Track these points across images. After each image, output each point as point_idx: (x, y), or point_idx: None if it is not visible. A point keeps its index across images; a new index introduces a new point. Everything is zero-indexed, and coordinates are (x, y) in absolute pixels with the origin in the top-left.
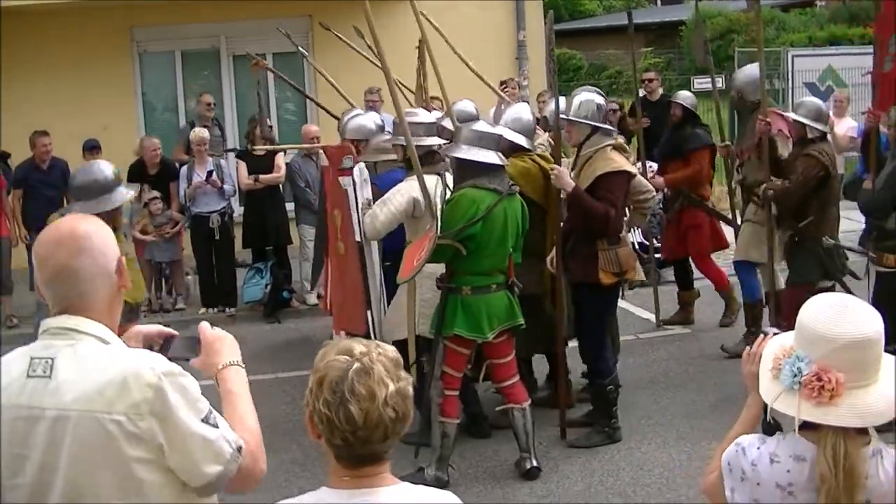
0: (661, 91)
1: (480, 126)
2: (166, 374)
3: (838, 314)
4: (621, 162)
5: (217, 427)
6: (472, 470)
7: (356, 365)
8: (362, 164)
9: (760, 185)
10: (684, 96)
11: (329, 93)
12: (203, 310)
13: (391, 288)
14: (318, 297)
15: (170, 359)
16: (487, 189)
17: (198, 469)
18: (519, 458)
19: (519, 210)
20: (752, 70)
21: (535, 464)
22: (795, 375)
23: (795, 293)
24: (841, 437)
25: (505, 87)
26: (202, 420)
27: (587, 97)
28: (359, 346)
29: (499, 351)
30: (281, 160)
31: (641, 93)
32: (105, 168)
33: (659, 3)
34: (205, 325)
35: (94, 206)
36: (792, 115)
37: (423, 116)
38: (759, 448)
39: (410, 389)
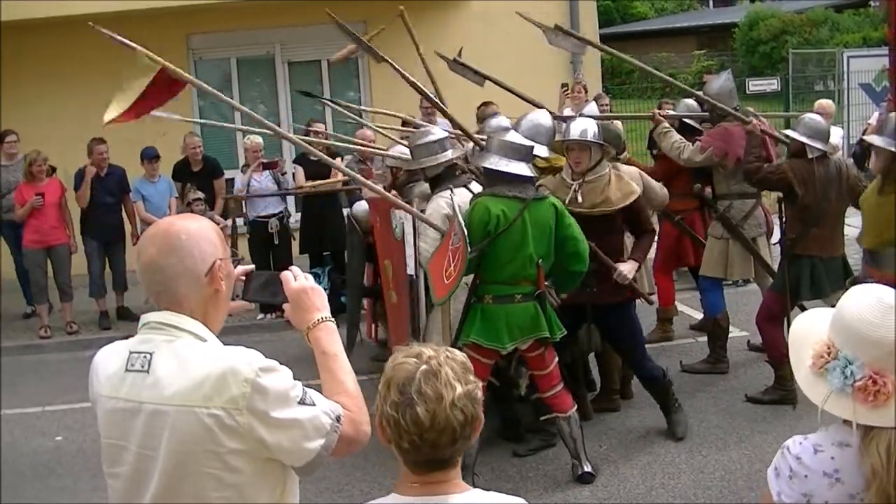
0: None
1: (511, 136)
2: (263, 370)
3: (885, 315)
4: (634, 185)
5: (314, 405)
6: (532, 473)
7: (424, 367)
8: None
9: (719, 197)
10: (682, 107)
11: (385, 96)
12: (261, 315)
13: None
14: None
15: (252, 301)
16: (506, 197)
17: (301, 448)
18: (572, 463)
19: (549, 214)
20: (720, 81)
21: (587, 469)
22: (847, 378)
23: (768, 298)
24: (895, 433)
25: (567, 91)
26: (299, 403)
27: (585, 124)
28: (428, 350)
29: (536, 363)
30: (338, 165)
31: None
32: None
33: (711, 5)
34: (288, 275)
35: None
36: (790, 133)
37: (437, 133)
38: (801, 443)
39: (479, 393)
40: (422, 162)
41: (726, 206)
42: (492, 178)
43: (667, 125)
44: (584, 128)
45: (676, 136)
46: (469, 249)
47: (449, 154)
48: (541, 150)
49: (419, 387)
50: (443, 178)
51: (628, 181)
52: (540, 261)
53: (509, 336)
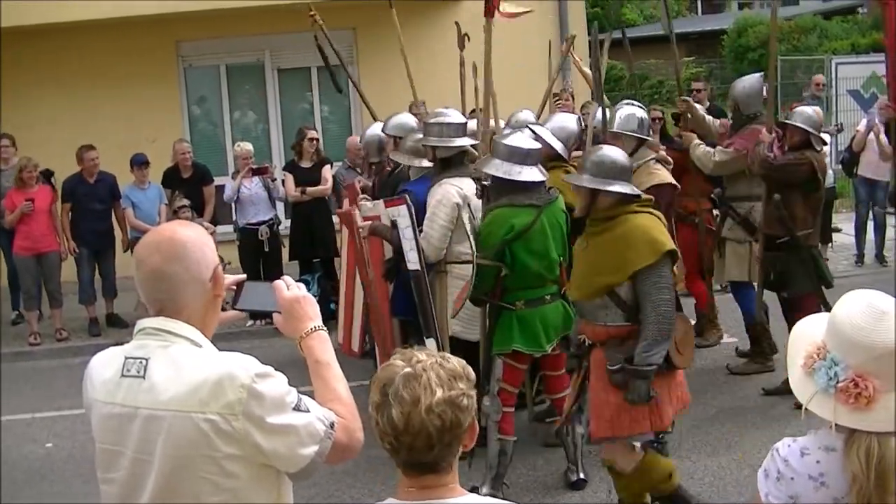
0: (707, 101)
1: (516, 141)
2: (259, 376)
3: (876, 321)
4: (665, 175)
5: (308, 412)
6: (522, 480)
7: (406, 370)
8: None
9: (740, 199)
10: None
11: (375, 101)
12: (251, 322)
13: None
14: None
15: (245, 310)
16: (523, 206)
17: (295, 454)
18: (567, 468)
19: (562, 215)
20: (750, 81)
21: (581, 476)
22: (831, 379)
23: (808, 306)
24: (875, 438)
25: (558, 99)
26: (293, 409)
27: (630, 111)
28: (421, 354)
29: (555, 363)
30: (328, 172)
31: None
32: None
33: (700, 12)
34: (281, 284)
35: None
36: (796, 124)
37: (454, 117)
38: (789, 446)
39: (466, 401)
40: (430, 140)
41: (748, 209)
42: (502, 186)
43: (697, 140)
44: (623, 115)
45: (704, 146)
46: (476, 255)
47: (458, 142)
48: (558, 147)
49: (397, 389)
50: (452, 164)
51: (664, 172)
52: (561, 259)
53: (546, 337)
